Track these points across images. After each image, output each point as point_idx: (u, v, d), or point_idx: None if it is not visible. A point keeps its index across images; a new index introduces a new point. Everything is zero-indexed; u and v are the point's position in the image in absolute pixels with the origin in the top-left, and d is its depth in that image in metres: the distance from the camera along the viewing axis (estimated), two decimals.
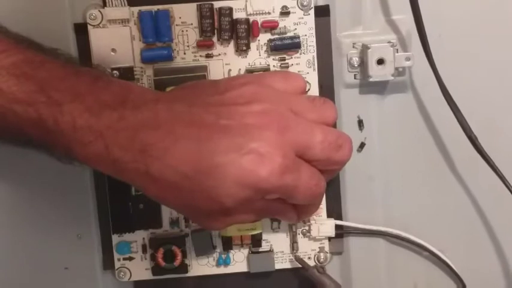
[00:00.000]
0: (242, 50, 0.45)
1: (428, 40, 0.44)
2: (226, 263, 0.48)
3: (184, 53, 0.45)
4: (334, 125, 0.42)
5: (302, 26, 0.45)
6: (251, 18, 0.45)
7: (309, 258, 0.47)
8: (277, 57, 0.45)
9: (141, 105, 0.38)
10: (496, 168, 0.45)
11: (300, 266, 0.47)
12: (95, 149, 0.37)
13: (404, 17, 0.46)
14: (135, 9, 0.44)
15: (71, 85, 0.37)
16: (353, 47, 0.46)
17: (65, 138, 0.37)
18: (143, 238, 0.47)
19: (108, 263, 0.48)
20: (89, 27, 0.44)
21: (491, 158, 0.45)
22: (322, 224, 0.47)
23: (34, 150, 0.40)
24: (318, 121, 0.40)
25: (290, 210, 0.42)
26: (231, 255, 0.48)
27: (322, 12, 0.46)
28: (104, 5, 0.44)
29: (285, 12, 0.45)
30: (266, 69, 0.45)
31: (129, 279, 0.47)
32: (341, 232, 0.48)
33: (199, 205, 0.38)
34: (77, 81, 0.38)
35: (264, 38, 0.45)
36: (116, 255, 0.47)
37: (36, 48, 0.39)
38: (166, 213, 0.47)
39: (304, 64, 0.46)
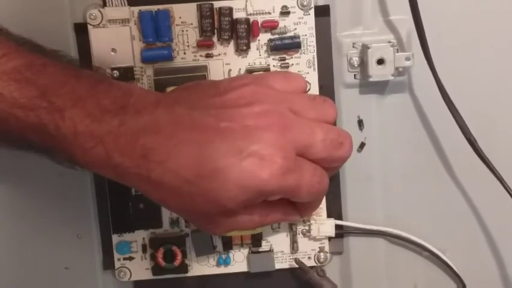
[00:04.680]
0: (242, 49, 0.45)
1: (427, 39, 0.44)
2: (226, 263, 0.48)
3: (184, 53, 0.45)
4: (334, 124, 0.42)
5: (302, 26, 0.45)
6: (251, 18, 0.45)
7: (309, 258, 0.47)
8: (277, 57, 0.45)
9: (142, 109, 0.38)
10: (494, 170, 0.45)
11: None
12: (95, 155, 0.37)
13: (404, 17, 0.46)
14: (135, 9, 0.44)
15: (72, 89, 0.37)
16: (353, 47, 0.47)
17: (66, 144, 0.37)
18: (143, 238, 0.47)
19: (108, 263, 0.48)
20: (89, 27, 0.44)
21: (490, 159, 0.45)
22: (322, 224, 0.47)
23: (36, 154, 0.40)
24: (319, 119, 0.40)
25: (293, 213, 0.42)
26: (231, 255, 0.48)
27: (322, 12, 0.46)
28: (104, 4, 0.44)
29: (285, 12, 0.45)
30: (266, 69, 0.45)
31: (129, 279, 0.47)
32: (341, 232, 0.48)
33: (200, 209, 0.38)
34: (77, 85, 0.38)
35: (264, 37, 0.45)
36: (116, 255, 0.47)
37: (37, 50, 0.39)
38: (166, 213, 0.47)
39: (304, 64, 0.46)
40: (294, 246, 0.47)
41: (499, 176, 0.45)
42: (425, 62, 0.44)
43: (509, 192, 0.45)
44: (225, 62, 0.45)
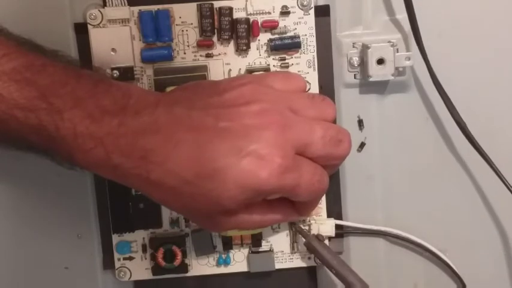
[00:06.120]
0: (242, 49, 0.45)
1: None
2: (226, 262, 0.48)
3: (185, 53, 0.45)
4: (334, 123, 0.42)
5: (302, 25, 0.45)
6: (251, 18, 0.45)
7: (309, 258, 0.47)
8: (277, 57, 0.45)
9: (141, 110, 0.38)
10: (489, 160, 0.45)
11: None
12: (95, 156, 0.37)
13: (404, 17, 0.45)
14: (135, 9, 0.44)
15: (72, 90, 0.37)
16: (353, 46, 0.46)
17: (65, 145, 0.37)
18: (143, 238, 0.47)
19: (108, 263, 0.48)
20: (89, 27, 0.44)
21: (490, 158, 0.45)
22: (322, 224, 0.47)
23: (36, 155, 0.40)
24: (318, 118, 0.40)
25: (292, 213, 0.42)
26: (231, 255, 0.48)
27: (322, 12, 0.46)
28: (104, 4, 0.44)
29: (285, 12, 0.45)
30: (266, 69, 0.45)
31: (129, 279, 0.47)
32: (341, 232, 0.48)
33: (200, 208, 0.38)
34: (77, 86, 0.38)
35: (264, 37, 0.45)
36: (116, 255, 0.47)
37: (37, 50, 0.39)
38: (166, 213, 0.47)
39: (304, 64, 0.46)
40: (294, 246, 0.47)
41: (500, 175, 0.45)
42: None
43: (509, 190, 0.45)
44: (225, 62, 0.45)
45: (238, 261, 0.48)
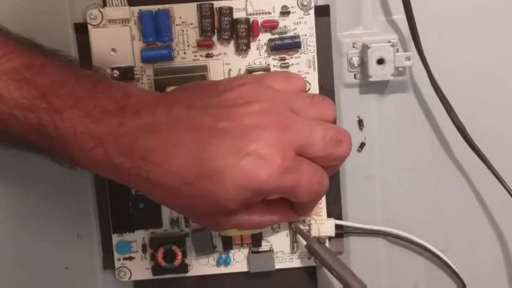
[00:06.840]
0: (242, 49, 0.45)
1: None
2: (226, 262, 0.48)
3: (185, 53, 0.45)
4: (334, 123, 0.42)
5: (302, 25, 0.45)
6: (251, 18, 0.45)
7: (309, 258, 0.47)
8: (277, 57, 0.45)
9: (141, 110, 0.38)
10: (494, 170, 0.45)
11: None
12: (95, 155, 0.37)
13: (404, 17, 0.45)
14: (135, 9, 0.44)
15: (71, 90, 0.37)
16: (353, 46, 0.47)
17: (65, 144, 0.37)
18: (143, 238, 0.47)
19: (108, 263, 0.48)
20: (89, 27, 0.44)
21: (489, 159, 0.45)
22: (322, 224, 0.47)
23: (35, 154, 0.40)
24: (318, 118, 0.40)
25: (291, 214, 0.42)
26: (231, 255, 0.48)
27: (322, 12, 0.46)
28: (104, 4, 0.44)
29: (285, 12, 0.45)
30: (266, 69, 0.45)
31: (129, 279, 0.47)
32: (341, 232, 0.48)
33: (200, 208, 0.38)
34: (77, 86, 0.38)
35: (264, 37, 0.45)
36: (116, 255, 0.47)
37: (37, 50, 0.39)
38: (166, 213, 0.47)
39: (304, 64, 0.46)
40: (294, 246, 0.47)
41: (499, 177, 0.45)
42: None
43: (509, 192, 0.45)
44: (225, 62, 0.45)
45: (238, 261, 0.48)
